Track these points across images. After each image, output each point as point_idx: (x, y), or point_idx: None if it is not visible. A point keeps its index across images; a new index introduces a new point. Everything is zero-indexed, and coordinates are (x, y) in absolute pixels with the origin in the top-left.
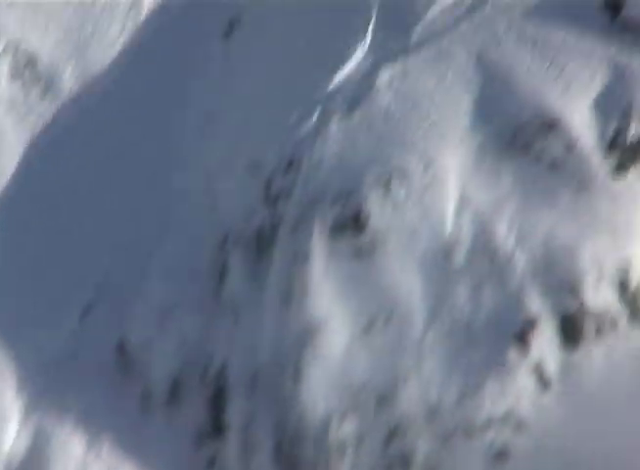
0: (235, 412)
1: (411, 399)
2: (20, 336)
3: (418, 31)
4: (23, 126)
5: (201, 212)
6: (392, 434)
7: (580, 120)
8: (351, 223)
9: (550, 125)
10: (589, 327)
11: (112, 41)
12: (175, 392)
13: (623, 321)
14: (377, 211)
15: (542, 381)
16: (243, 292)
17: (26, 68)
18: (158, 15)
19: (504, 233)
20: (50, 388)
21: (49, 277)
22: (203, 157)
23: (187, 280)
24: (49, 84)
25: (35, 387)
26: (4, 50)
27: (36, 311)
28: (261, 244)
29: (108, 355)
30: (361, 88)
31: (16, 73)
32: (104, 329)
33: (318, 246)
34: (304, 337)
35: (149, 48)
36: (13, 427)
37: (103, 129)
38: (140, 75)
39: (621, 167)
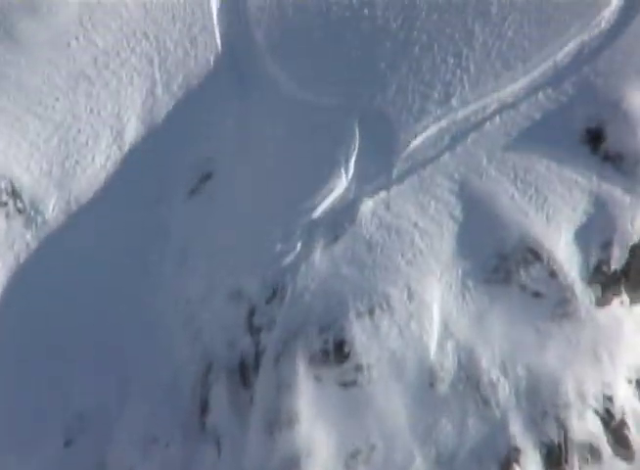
0: None
1: None
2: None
3: (400, 161)
4: (7, 258)
5: (183, 341)
6: None
7: (564, 250)
8: (335, 352)
9: (533, 255)
10: (573, 457)
11: (95, 172)
12: None
13: (608, 451)
14: (361, 340)
15: None
16: (226, 421)
17: (10, 199)
18: (139, 148)
19: (488, 361)
20: None
21: (33, 409)
22: (183, 285)
23: (170, 409)
24: (33, 215)
25: None
26: None
27: (19, 443)
28: (244, 373)
29: None
30: (344, 217)
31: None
32: (87, 456)
33: (302, 375)
34: (288, 466)
35: (131, 180)
36: None
37: (85, 259)
38: (121, 207)
39: (605, 296)
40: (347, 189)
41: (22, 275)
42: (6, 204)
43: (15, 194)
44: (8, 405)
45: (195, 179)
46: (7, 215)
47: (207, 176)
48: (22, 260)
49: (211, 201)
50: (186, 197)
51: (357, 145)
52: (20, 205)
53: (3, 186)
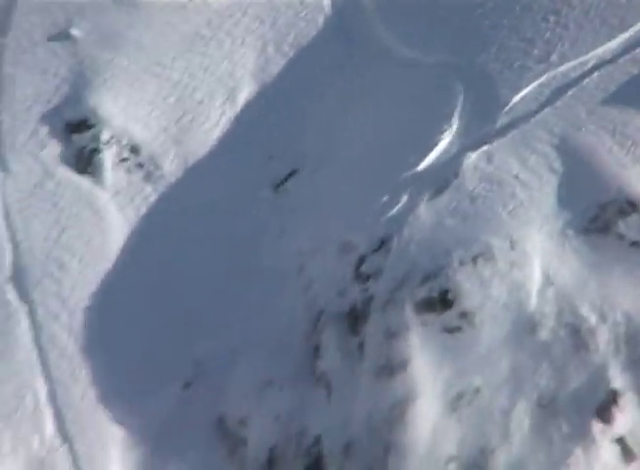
0: None
1: (501, 469)
2: (125, 410)
3: (502, 116)
4: (128, 211)
5: (294, 291)
6: None
7: None
8: (440, 300)
9: (631, 206)
10: None
11: (210, 129)
12: (272, 464)
13: None
14: (464, 287)
15: (626, 454)
16: (336, 367)
17: (130, 156)
18: (252, 105)
19: (587, 308)
20: (152, 459)
21: (153, 353)
22: (295, 238)
23: (282, 356)
24: (151, 171)
25: (138, 458)
26: (109, 140)
27: (141, 386)
28: (353, 321)
29: (208, 428)
30: (448, 171)
31: (120, 162)
32: (203, 404)
33: (409, 322)
34: (396, 410)
35: (244, 136)
36: None
37: (201, 212)
38: (235, 162)
39: None
40: (451, 143)
41: (142, 227)
42: (127, 159)
43: (135, 150)
44: (131, 352)
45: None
46: (128, 170)
47: (320, 128)
48: (141, 213)
49: (320, 158)
50: (298, 151)
51: (461, 101)
52: (139, 160)
53: (124, 142)
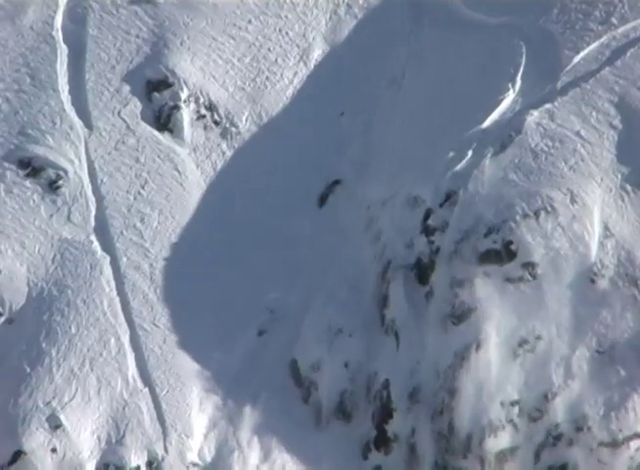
0: (398, 425)
1: (560, 413)
2: (203, 355)
3: (564, 75)
4: (206, 166)
5: (365, 242)
6: (543, 446)
7: None
8: (504, 251)
9: None
10: None
11: (284, 88)
12: (343, 407)
13: None
14: (527, 239)
15: None
16: (404, 315)
17: (207, 113)
18: (324, 65)
19: None
20: (230, 403)
21: (229, 302)
22: (364, 191)
23: (351, 305)
24: (228, 127)
25: (216, 403)
26: (187, 98)
27: (218, 332)
28: (420, 271)
29: (281, 373)
30: (512, 127)
31: (198, 119)
32: (277, 349)
33: (473, 273)
34: (462, 355)
35: (316, 95)
36: (197, 441)
37: (275, 167)
38: (308, 120)
39: None
40: (514, 101)
41: (219, 182)
42: (204, 116)
43: (212, 107)
44: (209, 300)
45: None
46: (205, 127)
47: (389, 87)
48: (218, 168)
49: (388, 115)
50: (368, 109)
51: (524, 61)
52: (216, 117)
53: (201, 100)
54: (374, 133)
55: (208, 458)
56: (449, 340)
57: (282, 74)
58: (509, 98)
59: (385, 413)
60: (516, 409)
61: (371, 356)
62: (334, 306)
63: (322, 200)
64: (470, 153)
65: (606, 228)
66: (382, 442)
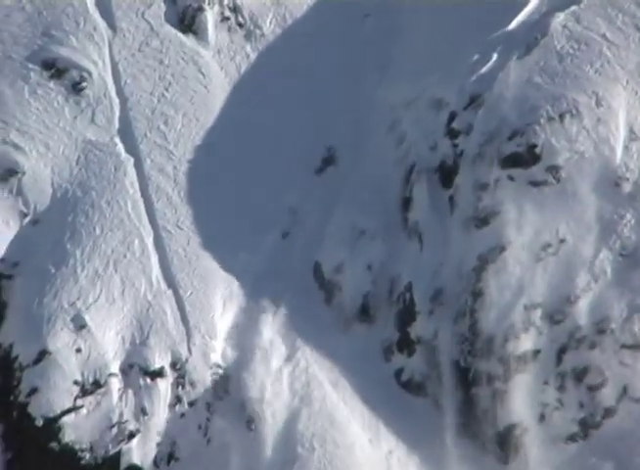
0: (421, 328)
1: (583, 316)
2: (227, 257)
3: None
4: (230, 68)
5: (389, 145)
6: (565, 348)
7: None
8: (528, 154)
9: None
10: None
11: None
12: (366, 309)
13: None
14: (551, 142)
15: None
16: (427, 218)
17: (231, 15)
18: None
19: None
20: (253, 305)
21: (253, 204)
22: (388, 93)
23: (374, 208)
24: (251, 30)
25: (240, 305)
26: (211, 0)
27: (241, 234)
28: (444, 174)
29: (305, 275)
30: (537, 30)
31: (222, 21)
32: (300, 251)
33: (497, 176)
34: (486, 258)
35: None
36: (220, 342)
37: (298, 67)
38: (332, 22)
39: None
40: (540, 3)
41: (243, 84)
42: (228, 18)
43: (236, 9)
44: (233, 202)
45: None
46: (229, 29)
47: None
48: (242, 71)
49: (413, 17)
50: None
51: None
52: (240, 19)
53: (226, 2)
54: (398, 35)
55: (232, 359)
56: (473, 243)
57: None
58: (535, 0)
59: (407, 316)
60: (539, 312)
61: (394, 259)
62: (357, 209)
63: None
64: (495, 55)
65: (631, 131)
66: (404, 344)
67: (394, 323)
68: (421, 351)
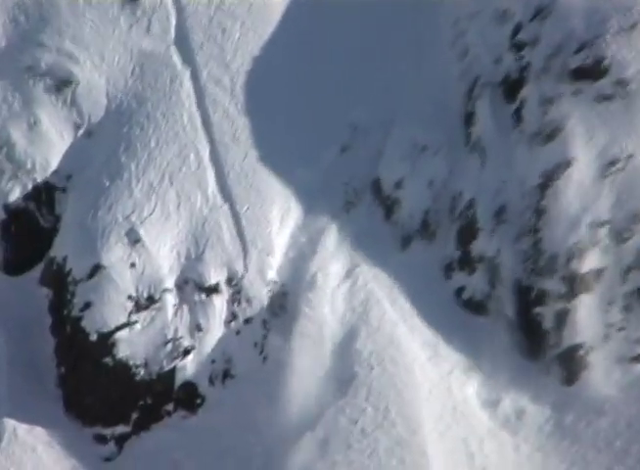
0: (482, 245)
1: None
2: (285, 171)
3: None
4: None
5: (451, 59)
6: (631, 268)
7: None
8: (596, 68)
9: None
10: None
11: None
12: (426, 226)
13: None
14: (620, 55)
15: None
16: (491, 134)
17: None
18: None
19: None
20: (311, 221)
21: (312, 118)
22: (451, 8)
23: (436, 123)
24: None
25: (297, 220)
26: None
27: (300, 148)
28: (508, 89)
29: (364, 191)
30: None
31: None
32: (360, 166)
33: (563, 90)
34: (550, 174)
35: None
36: (278, 258)
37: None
38: None
39: None
40: None
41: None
42: None
43: None
44: (291, 115)
45: None
46: None
47: None
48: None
49: None
50: None
51: None
52: None
53: None
54: None
55: (288, 276)
56: (537, 159)
57: None
58: None
59: (469, 233)
60: (605, 230)
61: (456, 175)
62: (418, 124)
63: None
64: None
65: None
66: (465, 262)
67: (455, 241)
68: (482, 269)
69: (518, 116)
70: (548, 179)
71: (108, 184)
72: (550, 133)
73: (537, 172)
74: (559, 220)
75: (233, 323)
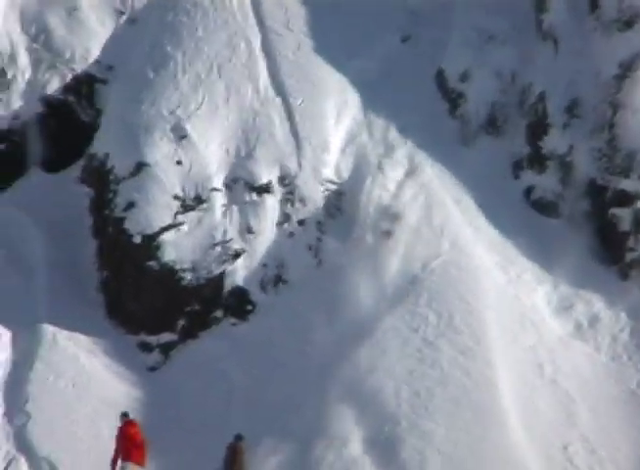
0: (554, 142)
1: None
2: (341, 62)
3: None
4: None
5: None
6: None
7: None
8: None
9: None
10: None
11: None
12: (493, 121)
13: None
14: None
15: None
16: (564, 21)
17: None
18: None
19: None
20: (369, 115)
21: (368, 6)
22: None
23: (505, 9)
24: None
25: (355, 115)
26: None
27: (357, 37)
28: None
29: (427, 84)
30: None
31: None
32: (422, 57)
33: None
34: (629, 65)
35: None
36: (334, 156)
37: None
38: None
39: None
40: None
41: None
42: None
43: None
44: (348, 5)
45: None
46: None
47: None
48: None
49: None
50: None
51: None
52: None
53: None
54: None
55: (346, 175)
56: (614, 48)
57: None
58: None
59: (539, 128)
60: None
61: (525, 66)
62: (485, 10)
63: None
64: None
65: None
66: (535, 159)
67: (525, 136)
68: (553, 167)
69: (593, 1)
70: (626, 70)
71: (152, 76)
72: (628, 20)
73: (614, 62)
74: (637, 115)
75: (286, 225)
